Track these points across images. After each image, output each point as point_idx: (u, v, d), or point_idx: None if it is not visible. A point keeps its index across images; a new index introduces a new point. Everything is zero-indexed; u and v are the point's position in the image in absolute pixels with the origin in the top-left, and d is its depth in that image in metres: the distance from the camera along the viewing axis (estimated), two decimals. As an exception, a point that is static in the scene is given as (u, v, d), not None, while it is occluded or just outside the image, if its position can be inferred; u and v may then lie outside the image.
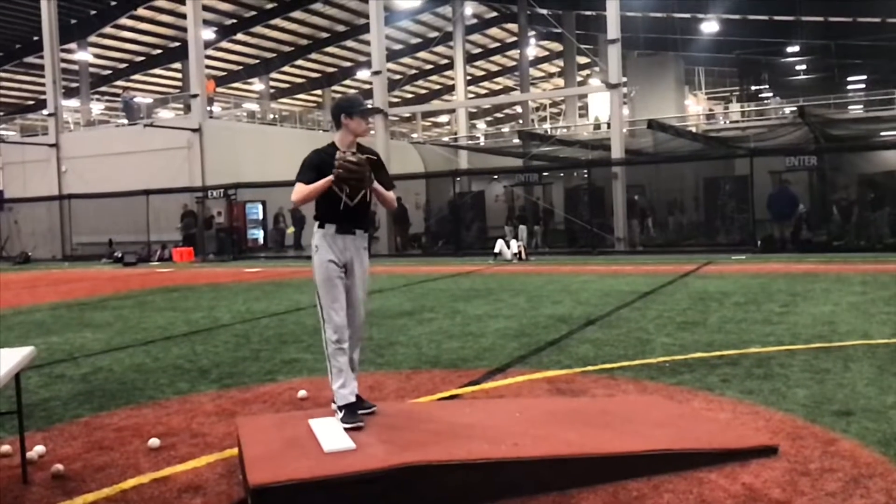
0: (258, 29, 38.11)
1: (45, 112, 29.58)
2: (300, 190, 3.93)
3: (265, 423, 4.27)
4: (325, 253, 4.00)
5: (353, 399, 3.97)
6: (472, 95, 46.03)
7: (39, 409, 5.16)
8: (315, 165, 3.95)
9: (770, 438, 3.96)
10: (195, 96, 25.69)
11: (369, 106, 4.03)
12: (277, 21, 37.54)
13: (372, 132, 28.90)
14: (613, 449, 3.66)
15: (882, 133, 27.44)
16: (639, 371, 5.77)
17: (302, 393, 5.32)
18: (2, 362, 3.61)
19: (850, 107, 35.24)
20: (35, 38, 31.79)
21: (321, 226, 4.03)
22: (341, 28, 40.22)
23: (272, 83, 45.32)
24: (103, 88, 41.57)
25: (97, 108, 37.84)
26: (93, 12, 34.14)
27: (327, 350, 4.01)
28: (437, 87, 52.63)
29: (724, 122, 37.14)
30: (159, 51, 39.60)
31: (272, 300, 11.53)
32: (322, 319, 4.02)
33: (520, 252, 19.12)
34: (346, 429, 3.82)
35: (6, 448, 4.16)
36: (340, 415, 3.95)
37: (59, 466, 3.86)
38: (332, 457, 3.47)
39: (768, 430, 4.15)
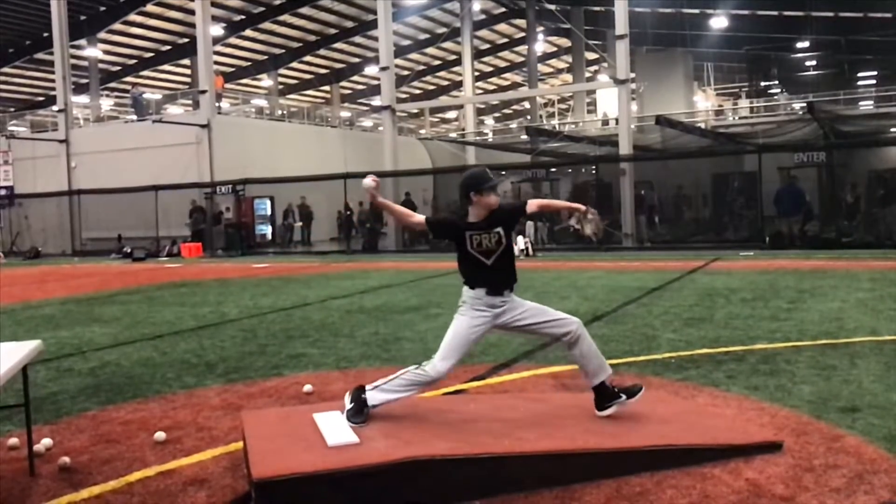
0: (266, 25, 38.16)
1: (54, 108, 29.71)
2: (417, 218, 4.13)
3: (270, 417, 4.29)
4: (475, 318, 3.97)
5: (368, 410, 3.93)
6: (479, 91, 45.96)
7: (47, 403, 5.20)
8: (446, 228, 4.21)
9: (775, 434, 3.95)
10: (204, 92, 25.75)
11: (495, 180, 4.07)
12: (286, 17, 37.61)
13: (380, 128, 28.97)
14: (617, 444, 3.67)
15: (892, 129, 27.26)
16: (644, 367, 5.77)
17: (307, 387, 5.34)
18: (9, 356, 3.64)
19: (860, 103, 35.02)
20: (45, 34, 31.88)
21: (472, 287, 4.00)
22: (349, 24, 40.23)
23: (280, 79, 45.38)
24: (112, 84, 41.74)
25: (106, 104, 37.98)
26: (102, 8, 34.27)
27: (412, 371, 3.97)
28: (445, 83, 52.58)
29: (733, 118, 37.03)
30: (168, 47, 39.71)
31: (279, 295, 11.56)
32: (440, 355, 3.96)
33: (527, 248, 19.11)
34: (350, 424, 3.84)
35: (14, 440, 4.20)
36: (349, 407, 3.92)
37: (66, 459, 3.89)
38: (335, 451, 3.48)
39: (773, 426, 4.14)
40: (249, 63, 43.17)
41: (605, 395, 4.05)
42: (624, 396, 4.03)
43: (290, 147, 28.09)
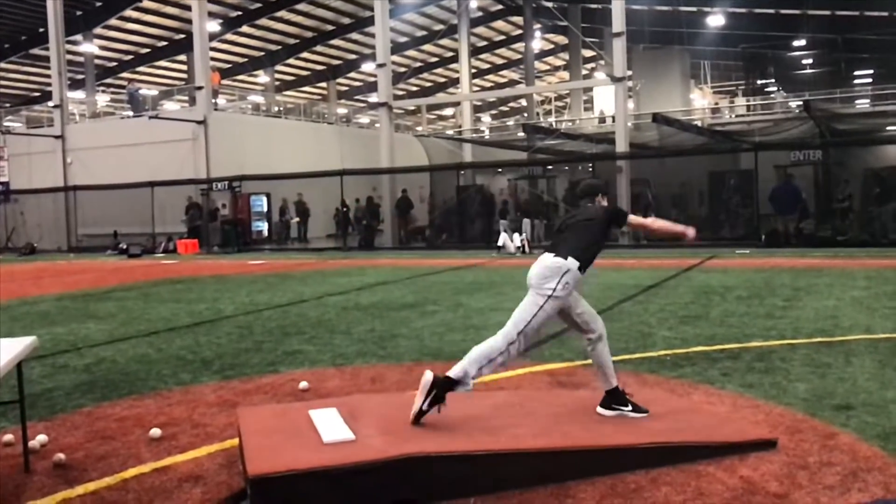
0: (263, 21, 38.07)
1: (50, 104, 29.59)
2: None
3: (265, 413, 4.29)
4: (566, 297, 4.08)
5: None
6: (476, 88, 45.91)
7: (42, 399, 5.18)
8: None
9: (769, 432, 3.96)
10: (200, 88, 25.71)
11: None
12: (283, 13, 37.52)
13: (377, 125, 28.95)
14: (612, 442, 3.68)
15: (888, 128, 27.30)
16: (639, 364, 5.78)
17: (303, 384, 5.33)
18: (3, 352, 3.63)
19: (856, 101, 35.08)
20: (41, 29, 31.82)
21: (583, 269, 4.13)
22: (346, 20, 40.16)
23: (277, 75, 45.29)
24: (109, 80, 41.58)
25: (102, 99, 37.87)
26: (98, 4, 34.17)
27: (502, 359, 4.04)
28: (442, 80, 52.52)
29: (730, 116, 37.03)
30: (164, 43, 39.60)
31: (275, 292, 11.56)
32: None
33: (523, 245, 19.13)
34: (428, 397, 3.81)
35: (8, 437, 4.18)
36: (428, 399, 3.85)
37: (61, 455, 3.87)
38: (331, 447, 3.48)
39: (768, 423, 4.15)
40: (246, 59, 43.05)
41: (616, 398, 4.12)
42: (630, 407, 4.10)
43: (287, 144, 28.05)
